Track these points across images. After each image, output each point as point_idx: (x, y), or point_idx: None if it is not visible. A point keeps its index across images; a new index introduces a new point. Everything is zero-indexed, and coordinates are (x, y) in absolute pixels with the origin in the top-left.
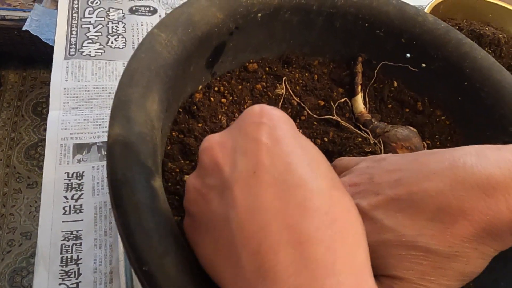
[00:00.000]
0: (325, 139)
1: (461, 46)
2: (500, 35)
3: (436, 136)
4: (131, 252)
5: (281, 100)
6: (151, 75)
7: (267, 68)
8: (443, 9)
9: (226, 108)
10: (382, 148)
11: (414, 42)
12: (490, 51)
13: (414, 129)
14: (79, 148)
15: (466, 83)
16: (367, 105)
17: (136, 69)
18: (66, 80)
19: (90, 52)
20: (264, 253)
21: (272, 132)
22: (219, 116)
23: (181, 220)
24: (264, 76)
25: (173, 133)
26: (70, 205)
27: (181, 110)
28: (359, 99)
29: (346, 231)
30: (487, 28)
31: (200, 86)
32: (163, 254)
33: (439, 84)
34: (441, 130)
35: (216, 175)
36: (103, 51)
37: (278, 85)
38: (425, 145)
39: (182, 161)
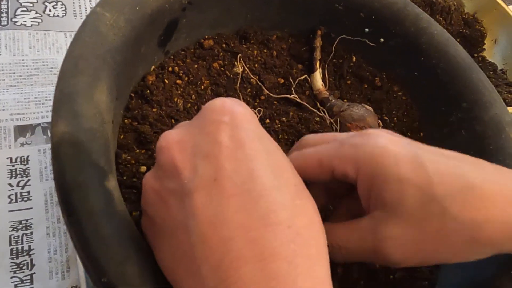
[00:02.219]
0: (284, 119)
1: (418, 21)
2: (451, 3)
3: (394, 112)
4: (88, 262)
5: (239, 79)
6: (98, 62)
7: (224, 45)
8: None
9: (182, 90)
10: (338, 128)
11: (373, 17)
12: (441, 18)
13: (370, 108)
14: (22, 130)
15: (422, 58)
16: (327, 81)
17: (80, 56)
18: (0, 55)
19: (25, 21)
20: (226, 268)
21: (234, 133)
22: (175, 99)
23: (139, 215)
24: (221, 54)
25: (126, 120)
26: (16, 193)
27: (133, 95)
28: (318, 75)
29: (309, 244)
30: None
31: (153, 67)
32: (123, 261)
33: (397, 60)
34: (398, 105)
35: (175, 179)
36: (40, 21)
37: (236, 63)
38: (381, 124)
39: (138, 150)
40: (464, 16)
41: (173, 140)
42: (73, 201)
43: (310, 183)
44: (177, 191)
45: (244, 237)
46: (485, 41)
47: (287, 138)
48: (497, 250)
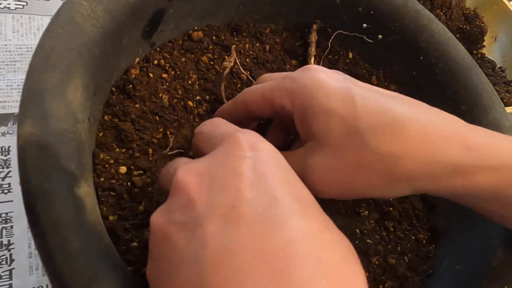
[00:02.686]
0: None
1: (419, 18)
2: None
3: None
4: (52, 279)
5: (229, 73)
6: (72, 56)
7: (214, 37)
8: None
9: (168, 84)
10: None
11: (372, 12)
12: (442, 13)
13: None
14: (3, 119)
15: (421, 57)
16: None
17: (52, 49)
18: None
19: (9, 4)
20: None
21: (256, 166)
22: (160, 94)
23: (117, 219)
24: (210, 47)
25: (106, 117)
26: None
27: (114, 89)
28: None
29: (344, 282)
30: None
31: (137, 59)
32: (91, 279)
33: (395, 58)
34: None
35: (188, 212)
36: (25, 4)
37: (226, 56)
38: None
39: (118, 149)
40: (464, 12)
41: (191, 174)
42: (37, 210)
43: (273, 123)
44: (188, 223)
45: (263, 267)
46: (484, 38)
47: None
48: (413, 186)
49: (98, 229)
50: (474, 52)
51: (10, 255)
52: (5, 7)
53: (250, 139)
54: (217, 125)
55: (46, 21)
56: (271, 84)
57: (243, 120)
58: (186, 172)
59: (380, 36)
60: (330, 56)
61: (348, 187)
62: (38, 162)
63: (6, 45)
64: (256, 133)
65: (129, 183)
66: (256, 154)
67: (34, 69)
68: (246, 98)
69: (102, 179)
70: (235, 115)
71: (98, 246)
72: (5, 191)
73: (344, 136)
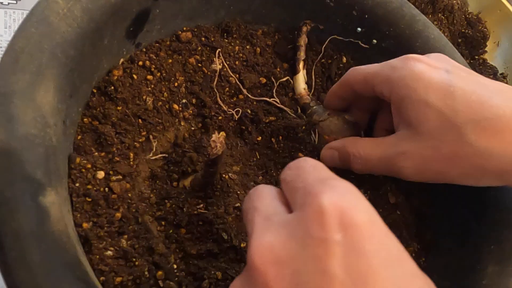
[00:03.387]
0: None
1: (414, 23)
2: (454, 1)
3: None
4: None
5: (217, 77)
6: (44, 57)
7: (203, 38)
8: None
9: (152, 86)
10: (316, 139)
11: (366, 16)
12: (443, 17)
13: (352, 118)
14: None
15: None
16: (313, 83)
17: (22, 50)
18: None
19: None
20: None
21: (351, 260)
22: (144, 97)
23: (91, 226)
24: (199, 48)
25: (85, 119)
26: None
27: (95, 91)
28: (300, 78)
29: None
30: None
31: (121, 60)
32: None
33: None
34: None
35: None
36: None
37: (214, 58)
38: (363, 135)
39: (96, 153)
40: (467, 16)
41: (269, 260)
42: None
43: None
44: None
45: None
46: (487, 43)
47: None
48: (505, 181)
49: (63, 240)
50: (476, 57)
51: None
52: None
53: (338, 207)
54: (301, 172)
55: None
56: (374, 68)
57: (350, 99)
58: (264, 255)
59: (374, 41)
60: (323, 60)
61: (438, 175)
62: (0, 169)
63: None
64: (348, 186)
65: (106, 189)
66: (348, 236)
67: (2, 71)
68: (350, 79)
69: (77, 185)
70: (342, 95)
71: (61, 258)
72: None
73: (441, 128)
